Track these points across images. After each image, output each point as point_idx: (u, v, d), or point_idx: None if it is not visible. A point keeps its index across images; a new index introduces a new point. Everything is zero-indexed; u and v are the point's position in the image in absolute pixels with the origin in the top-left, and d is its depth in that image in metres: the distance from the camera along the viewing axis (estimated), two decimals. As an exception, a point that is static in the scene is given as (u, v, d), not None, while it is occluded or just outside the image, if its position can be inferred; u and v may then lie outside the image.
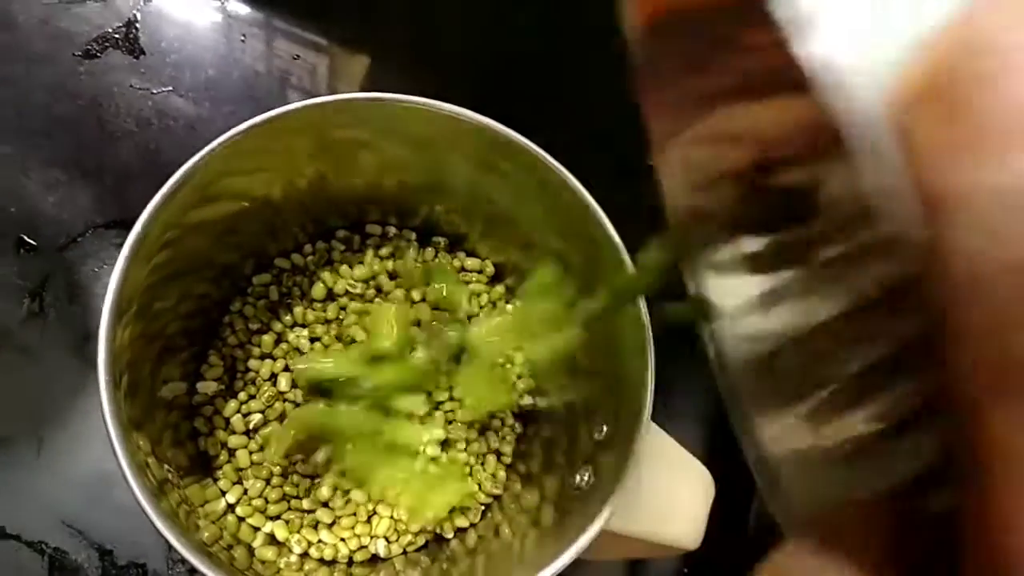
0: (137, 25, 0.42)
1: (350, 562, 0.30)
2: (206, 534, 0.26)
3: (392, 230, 0.33)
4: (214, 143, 0.24)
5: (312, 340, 0.31)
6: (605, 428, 0.27)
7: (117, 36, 0.41)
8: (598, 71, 0.48)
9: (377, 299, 0.32)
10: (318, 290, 0.31)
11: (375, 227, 0.33)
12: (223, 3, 0.43)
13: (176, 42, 0.42)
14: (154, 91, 0.41)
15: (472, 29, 0.47)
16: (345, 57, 0.45)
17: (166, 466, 0.26)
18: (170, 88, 0.41)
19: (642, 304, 0.26)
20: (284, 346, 0.31)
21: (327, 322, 0.31)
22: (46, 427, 0.34)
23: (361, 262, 0.32)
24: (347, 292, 0.31)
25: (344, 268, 0.32)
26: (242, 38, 0.43)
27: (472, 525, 0.31)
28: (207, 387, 0.30)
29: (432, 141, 0.27)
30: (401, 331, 0.28)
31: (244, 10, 0.43)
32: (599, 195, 0.27)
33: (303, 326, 0.31)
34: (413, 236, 0.33)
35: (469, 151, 0.27)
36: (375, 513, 0.30)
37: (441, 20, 0.47)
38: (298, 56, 0.44)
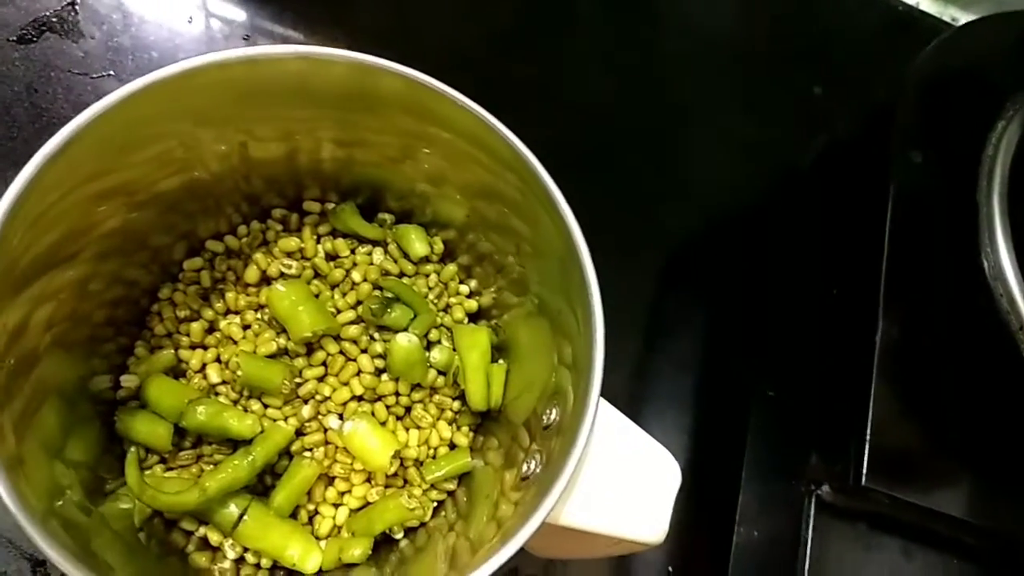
0: (78, 8, 0.40)
1: (290, 571, 0.27)
2: (120, 553, 0.23)
3: (331, 206, 0.30)
4: (109, 97, 0.22)
5: (245, 327, 0.29)
6: (555, 412, 0.24)
7: (55, 20, 0.39)
8: (568, 47, 0.47)
9: (315, 281, 0.29)
10: (251, 274, 0.29)
11: (314, 204, 0.30)
12: (167, -17, 0.41)
13: (119, 25, 0.40)
14: (94, 76, 0.38)
15: (452, 26, 0.45)
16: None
17: (68, 470, 0.23)
18: (111, 72, 0.39)
19: (591, 276, 0.23)
20: (216, 335, 0.28)
21: (260, 308, 0.29)
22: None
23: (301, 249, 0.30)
24: (282, 275, 0.29)
25: (278, 250, 0.29)
26: (188, 20, 0.41)
27: (423, 524, 0.29)
28: (131, 381, 0.27)
29: (358, 98, 0.25)
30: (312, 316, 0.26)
31: (189, -10, 0.41)
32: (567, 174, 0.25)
33: (236, 313, 0.29)
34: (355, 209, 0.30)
35: (400, 109, 0.25)
36: (317, 513, 0.28)
37: (420, 16, 0.45)
38: (248, 37, 0.42)
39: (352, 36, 0.43)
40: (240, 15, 0.42)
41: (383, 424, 0.28)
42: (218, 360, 0.28)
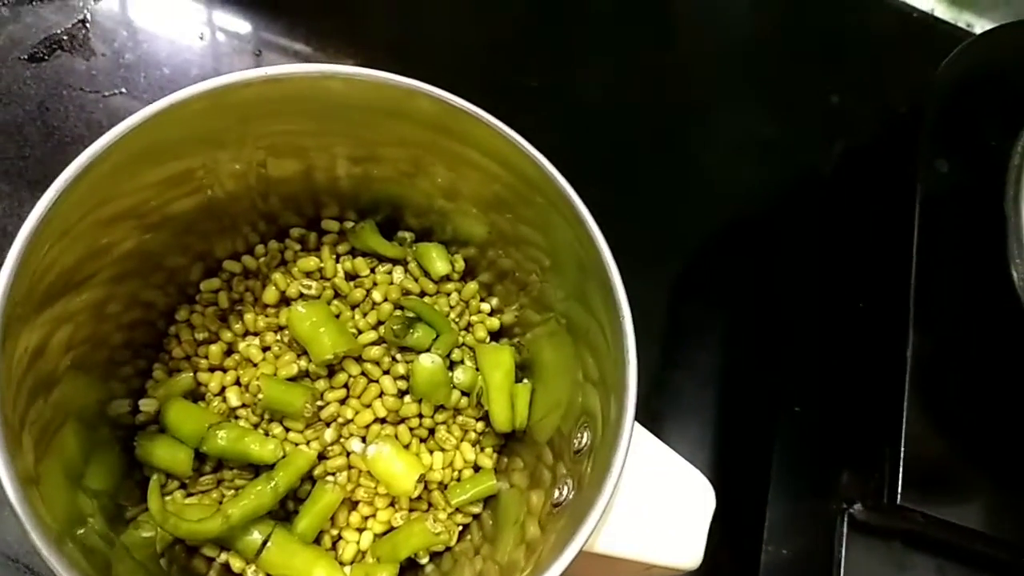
0: (88, 26, 0.39)
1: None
2: (135, 574, 0.23)
3: (350, 225, 0.30)
4: (134, 118, 0.21)
5: (264, 349, 0.28)
6: (586, 436, 0.24)
7: (66, 38, 0.39)
8: (580, 51, 0.47)
9: (335, 301, 0.29)
10: (270, 294, 0.28)
11: (332, 223, 0.30)
12: (178, 1, 0.41)
13: (129, 42, 0.39)
14: (106, 93, 0.38)
15: (462, 34, 0.45)
16: (326, 61, 0.42)
17: (89, 499, 0.23)
18: (123, 90, 0.38)
19: (621, 296, 0.23)
20: (235, 357, 0.28)
21: (279, 329, 0.28)
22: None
23: (320, 269, 0.29)
24: (302, 295, 0.28)
25: (297, 270, 0.29)
26: (200, 36, 0.41)
27: (448, 549, 0.28)
28: (149, 405, 0.27)
29: (382, 117, 0.25)
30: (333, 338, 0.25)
31: (199, 8, 0.41)
32: (583, 180, 0.24)
33: (255, 334, 0.28)
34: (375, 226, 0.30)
35: (420, 125, 0.24)
36: (340, 538, 0.27)
37: (429, 27, 0.45)
38: (260, 53, 0.41)
39: (362, 48, 0.43)
40: (250, 30, 0.42)
41: (406, 447, 0.28)
42: (238, 383, 0.28)
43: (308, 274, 0.29)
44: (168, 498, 0.26)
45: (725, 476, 0.38)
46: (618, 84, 0.46)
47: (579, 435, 0.24)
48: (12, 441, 0.19)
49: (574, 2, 0.48)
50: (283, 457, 0.26)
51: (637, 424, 0.24)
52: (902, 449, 0.29)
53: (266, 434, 0.27)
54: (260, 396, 0.27)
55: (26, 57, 0.38)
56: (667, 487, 0.23)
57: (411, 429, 0.28)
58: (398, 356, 0.29)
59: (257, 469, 0.27)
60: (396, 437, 0.28)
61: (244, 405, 0.27)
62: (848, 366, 0.35)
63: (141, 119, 0.21)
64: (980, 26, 0.52)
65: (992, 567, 0.31)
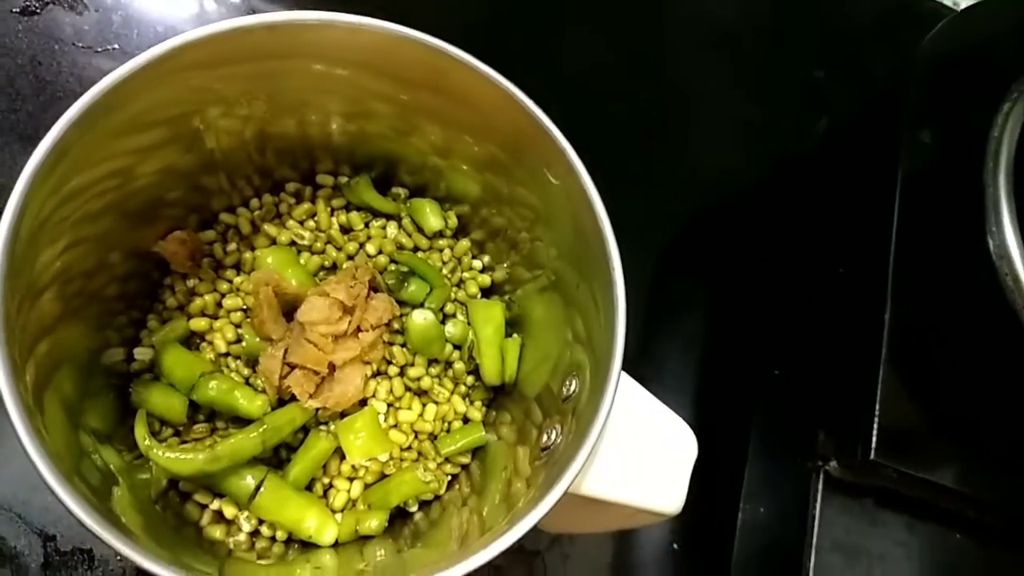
0: (80, -20, 0.39)
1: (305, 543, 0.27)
2: (138, 519, 0.23)
3: (345, 180, 0.30)
4: (133, 62, 0.21)
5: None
6: (574, 384, 0.24)
7: (58, -9, 0.38)
8: (571, 28, 0.47)
9: (331, 252, 0.29)
10: (261, 242, 0.29)
11: (327, 177, 0.30)
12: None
13: (122, -2, 0.39)
14: (98, 49, 0.38)
15: (452, 6, 0.45)
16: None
17: (88, 437, 0.23)
18: (115, 46, 0.38)
19: (613, 251, 0.24)
20: (228, 303, 0.28)
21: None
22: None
23: (313, 215, 0.30)
24: (293, 243, 0.29)
25: (292, 222, 0.29)
26: (193, -7, 0.40)
27: (437, 498, 0.29)
28: (144, 353, 0.27)
29: (383, 73, 0.25)
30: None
31: (195, -37, 0.41)
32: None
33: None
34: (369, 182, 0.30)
35: (422, 84, 0.25)
36: (332, 486, 0.28)
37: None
38: (253, 12, 0.41)
39: (351, 10, 0.43)
40: (244, -9, 0.42)
41: (398, 400, 0.28)
42: (237, 330, 0.28)
43: (301, 223, 0.29)
44: (163, 444, 0.27)
45: (706, 437, 0.38)
46: (605, 61, 0.47)
47: (568, 383, 0.25)
48: (16, 375, 0.19)
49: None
50: (269, 412, 0.27)
51: (623, 373, 0.24)
52: (877, 408, 0.30)
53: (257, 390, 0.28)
54: (244, 344, 0.27)
55: (18, 10, 0.37)
56: (651, 433, 0.24)
57: (406, 385, 0.29)
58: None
59: (249, 422, 0.28)
60: (390, 391, 0.28)
61: (236, 357, 0.28)
62: (827, 331, 0.36)
63: (140, 64, 0.21)
64: (965, 2, 0.53)
65: (960, 524, 0.33)
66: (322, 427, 0.28)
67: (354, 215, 0.30)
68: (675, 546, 0.38)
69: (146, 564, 0.19)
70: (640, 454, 0.24)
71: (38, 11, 0.38)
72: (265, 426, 0.26)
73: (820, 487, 0.32)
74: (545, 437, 0.24)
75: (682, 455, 0.24)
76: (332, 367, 0.27)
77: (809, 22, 0.51)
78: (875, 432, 0.30)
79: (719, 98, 0.48)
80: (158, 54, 0.21)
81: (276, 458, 0.28)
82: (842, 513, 0.33)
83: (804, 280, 0.41)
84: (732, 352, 0.42)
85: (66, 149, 0.21)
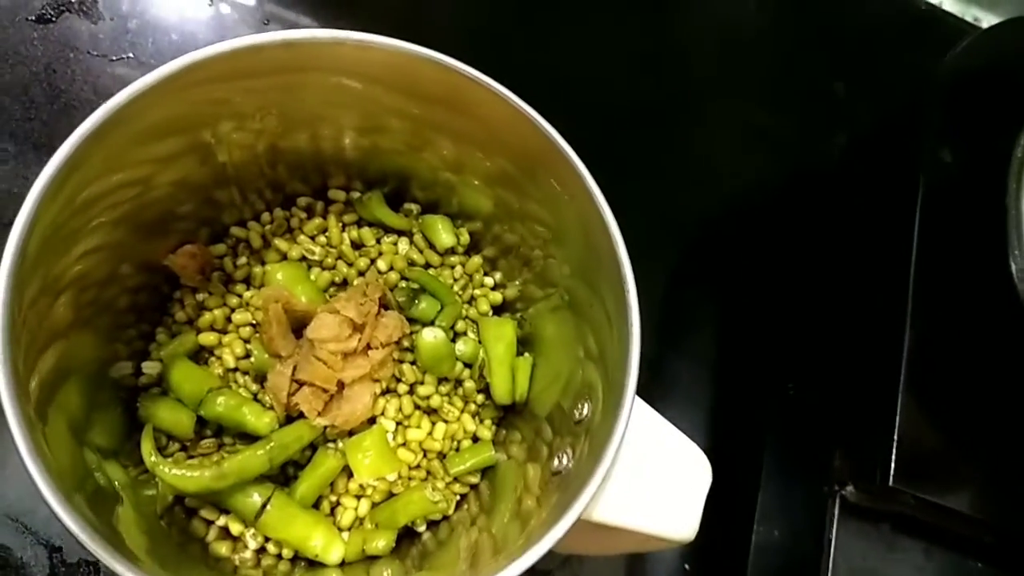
0: (96, -12, 0.39)
1: (311, 561, 0.27)
2: (142, 536, 0.23)
3: (357, 195, 0.30)
4: (149, 77, 0.21)
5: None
6: (587, 408, 0.24)
7: (73, 0, 0.38)
8: (586, 31, 0.47)
9: (341, 268, 0.29)
10: (272, 257, 0.28)
11: (339, 192, 0.30)
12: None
13: (138, 7, 0.39)
14: (112, 58, 0.38)
15: (465, 12, 0.45)
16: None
17: (93, 454, 0.23)
18: (130, 55, 0.38)
19: (627, 273, 0.23)
20: (237, 318, 0.28)
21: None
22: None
23: (324, 230, 0.29)
24: (304, 259, 0.29)
25: (303, 237, 0.29)
26: (209, 2, 0.40)
27: (446, 518, 0.28)
28: (152, 367, 0.27)
29: (395, 89, 0.25)
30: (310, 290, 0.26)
31: (210, -28, 0.41)
32: (584, 162, 0.24)
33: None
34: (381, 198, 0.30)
35: (435, 99, 0.24)
36: (339, 504, 0.28)
37: (435, 7, 0.44)
38: (268, 22, 0.41)
39: (366, 23, 0.42)
40: (257, 1, 0.41)
41: (407, 419, 0.28)
42: (246, 346, 0.28)
43: (312, 238, 0.29)
44: (169, 459, 0.27)
45: (720, 457, 0.38)
46: (623, 68, 0.46)
47: (580, 406, 0.24)
48: (19, 386, 0.19)
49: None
50: (277, 430, 0.27)
51: (637, 398, 0.24)
52: (895, 432, 0.29)
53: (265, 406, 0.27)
54: (252, 360, 0.27)
55: (34, 18, 0.37)
56: (665, 460, 0.24)
57: (416, 404, 0.28)
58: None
59: (257, 439, 0.27)
60: (399, 409, 0.28)
61: (245, 372, 0.28)
62: (845, 350, 0.36)
63: (156, 79, 0.21)
64: (987, 20, 0.52)
65: (978, 551, 0.32)
66: (330, 445, 0.27)
67: (366, 231, 0.30)
68: (687, 567, 0.37)
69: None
70: (653, 480, 0.23)
71: (53, 19, 0.38)
72: (272, 443, 0.26)
73: (836, 512, 0.31)
74: (557, 461, 0.24)
75: (696, 482, 0.24)
76: (341, 385, 0.27)
77: (831, 33, 0.50)
78: (894, 458, 0.29)
79: (735, 109, 0.47)
80: (174, 69, 0.21)
81: (283, 475, 0.28)
82: (858, 538, 0.32)
83: (820, 297, 0.40)
84: (745, 369, 0.41)
85: (79, 161, 0.21)
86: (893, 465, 0.29)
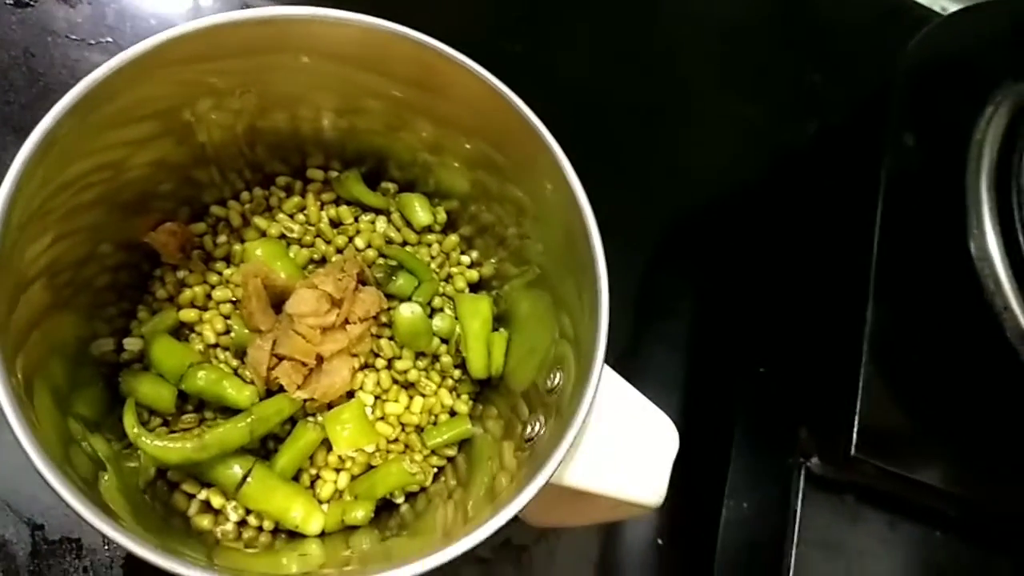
0: (74, -27, 0.39)
1: (292, 533, 0.28)
2: (126, 507, 0.24)
3: (335, 174, 0.30)
4: (124, 55, 0.22)
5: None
6: (558, 376, 0.25)
7: (52, -16, 0.39)
8: (567, 23, 0.47)
9: (320, 246, 0.30)
10: (251, 235, 0.29)
11: (317, 172, 0.30)
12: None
13: (117, -9, 0.40)
14: (91, 42, 0.38)
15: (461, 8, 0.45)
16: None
17: (78, 425, 0.23)
18: (109, 39, 0.39)
19: (598, 248, 0.24)
20: (217, 294, 0.29)
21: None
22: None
23: (303, 209, 0.30)
24: (283, 236, 0.29)
25: (282, 215, 0.29)
26: (188, -12, 0.41)
27: (423, 489, 0.29)
28: (134, 344, 0.28)
29: (373, 69, 0.25)
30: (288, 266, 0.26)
31: (190, -42, 0.41)
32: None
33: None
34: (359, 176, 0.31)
35: (405, 75, 0.25)
36: (319, 477, 0.28)
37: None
38: (246, 7, 0.42)
39: (348, 9, 0.43)
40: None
41: (385, 392, 0.29)
42: (226, 322, 0.28)
43: (291, 216, 0.30)
44: (151, 433, 0.27)
45: (692, 434, 0.39)
46: (602, 59, 0.47)
47: (552, 376, 0.25)
48: (8, 365, 0.20)
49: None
50: (258, 403, 0.27)
51: (607, 367, 0.25)
52: (858, 404, 0.30)
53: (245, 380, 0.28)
54: (232, 334, 0.28)
55: (12, 2, 0.38)
56: (633, 426, 0.24)
57: (394, 378, 0.29)
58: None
59: (237, 413, 0.28)
60: (378, 383, 0.29)
61: (225, 348, 0.28)
62: (812, 329, 0.37)
63: (134, 55, 0.22)
64: (952, 8, 0.54)
65: (940, 522, 0.33)
66: (309, 418, 0.28)
67: (344, 209, 0.30)
68: (660, 541, 0.38)
69: (137, 549, 0.19)
70: (622, 446, 0.24)
71: (32, 3, 0.38)
72: (253, 416, 0.26)
73: (802, 483, 0.32)
74: (529, 429, 0.25)
75: (663, 447, 0.25)
76: (320, 359, 0.27)
77: (805, 23, 0.52)
78: (856, 429, 0.30)
79: (712, 98, 0.48)
80: (148, 47, 0.22)
81: (263, 449, 0.28)
82: (823, 509, 0.33)
83: (790, 279, 0.41)
84: (718, 350, 0.42)
85: (56, 140, 0.21)
86: (855, 435, 0.30)
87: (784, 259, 0.42)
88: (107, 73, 0.22)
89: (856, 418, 0.30)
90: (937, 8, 0.53)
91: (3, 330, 0.20)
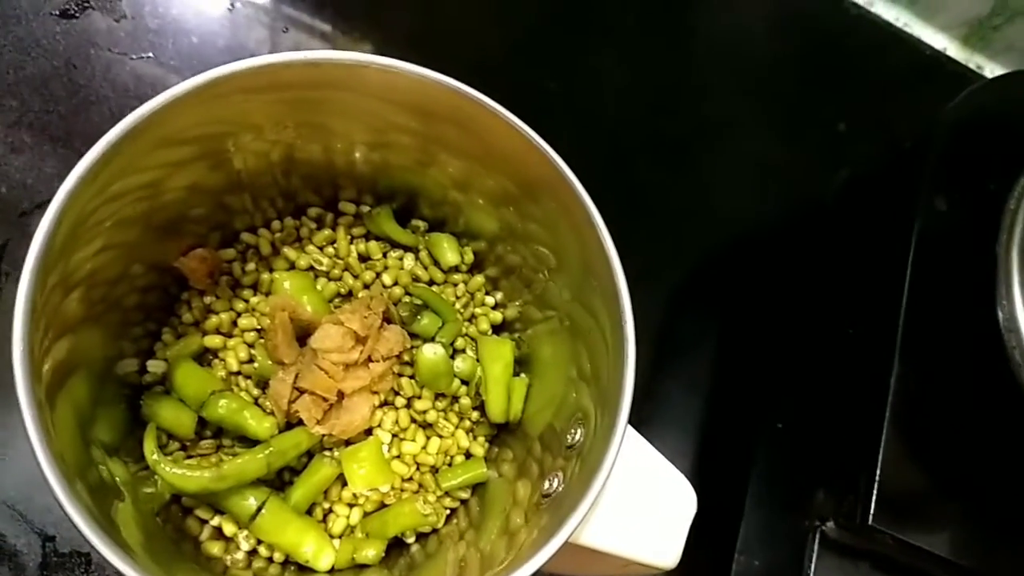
0: (120, -13, 0.40)
1: (301, 566, 0.28)
2: (137, 530, 0.24)
3: (366, 209, 0.30)
4: (190, 83, 0.22)
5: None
6: (579, 433, 0.25)
7: (98, -3, 0.39)
8: (598, 60, 0.47)
9: (347, 280, 0.30)
10: (280, 264, 0.29)
11: (349, 205, 0.31)
12: (212, -30, 0.41)
13: (160, 7, 0.40)
14: (133, 56, 0.39)
15: (481, 32, 0.45)
16: (348, 45, 0.43)
17: (97, 449, 0.24)
18: (150, 55, 0.39)
19: (625, 302, 0.24)
20: (243, 322, 0.29)
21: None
22: (-7, 402, 0.32)
23: (333, 242, 0.30)
24: (311, 268, 0.29)
25: (311, 247, 0.29)
26: (229, 7, 0.41)
27: (435, 531, 0.29)
28: (157, 366, 0.28)
29: (410, 110, 0.25)
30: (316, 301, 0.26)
31: (234, -22, 0.41)
32: (591, 186, 0.25)
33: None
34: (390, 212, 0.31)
35: (446, 120, 0.25)
36: (331, 511, 0.28)
37: (450, 20, 0.45)
38: (287, 30, 0.42)
39: (382, 35, 0.43)
40: (278, 6, 0.42)
41: (403, 432, 0.29)
42: (250, 351, 0.28)
43: (321, 248, 0.30)
44: (168, 457, 0.27)
45: (704, 484, 0.38)
46: (632, 97, 0.47)
47: (573, 431, 0.25)
48: (34, 366, 0.20)
49: (596, 13, 0.48)
50: (277, 435, 0.27)
51: (628, 426, 0.25)
52: (878, 472, 0.30)
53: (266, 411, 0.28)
54: (256, 365, 0.28)
55: (57, 13, 0.38)
56: (652, 487, 0.24)
57: (413, 418, 0.29)
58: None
59: (255, 443, 0.28)
60: (396, 422, 0.29)
61: (247, 376, 0.28)
62: (832, 388, 0.37)
63: (193, 86, 0.22)
64: (990, 69, 0.53)
65: (955, 595, 0.33)
66: (326, 453, 0.28)
67: (373, 244, 0.30)
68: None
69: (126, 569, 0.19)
70: (640, 507, 0.24)
71: (76, 15, 0.39)
72: (271, 448, 0.26)
73: (816, 547, 0.32)
74: (547, 484, 0.25)
75: (681, 510, 0.25)
76: (341, 395, 0.27)
77: (838, 73, 0.51)
78: (874, 497, 0.30)
79: (742, 141, 0.48)
80: (211, 78, 0.22)
81: (279, 480, 0.28)
82: (837, 574, 0.33)
83: (813, 332, 0.41)
84: (736, 399, 0.42)
85: (111, 156, 0.22)
86: (874, 504, 0.30)
87: (808, 310, 0.42)
88: (167, 100, 0.22)
89: (875, 486, 0.30)
90: (972, 66, 0.53)
91: (36, 334, 0.20)
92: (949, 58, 0.53)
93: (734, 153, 0.48)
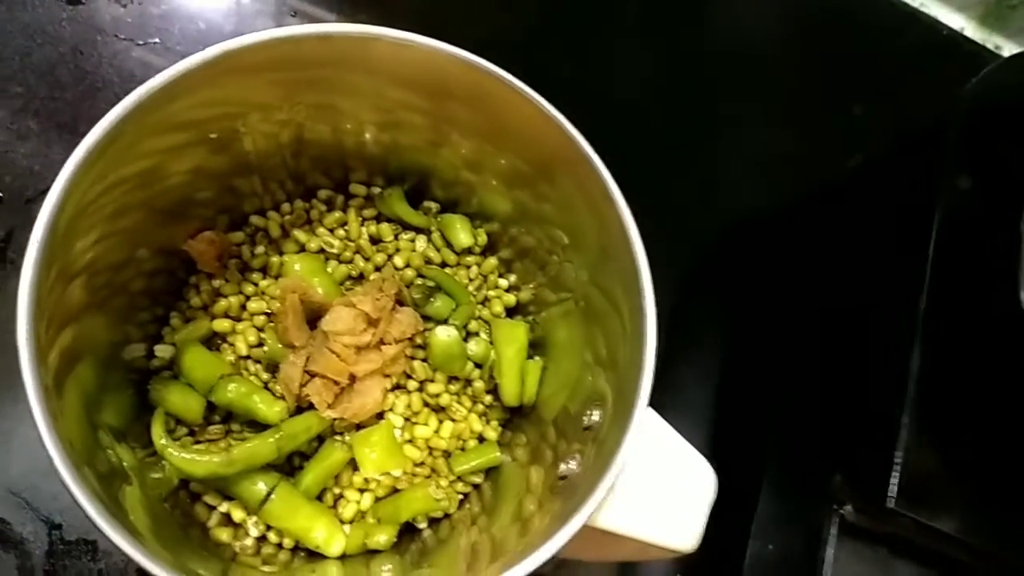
0: (126, -28, 0.39)
1: (311, 552, 0.27)
2: (145, 516, 0.23)
3: (377, 191, 0.30)
4: (190, 60, 0.21)
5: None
6: (596, 414, 0.24)
7: (104, -18, 0.39)
8: (611, 46, 0.47)
9: (358, 263, 0.29)
10: (290, 247, 0.29)
11: (360, 187, 0.30)
12: (218, -46, 0.41)
13: (167, -8, 0.40)
14: (139, 42, 0.38)
15: (488, 17, 0.45)
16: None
17: (105, 434, 0.23)
18: (157, 40, 0.39)
19: (646, 279, 0.23)
20: (252, 306, 0.28)
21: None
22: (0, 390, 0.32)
23: (344, 224, 0.30)
24: (322, 251, 0.29)
25: (322, 229, 0.29)
26: (237, -8, 0.41)
27: (447, 516, 0.28)
28: (164, 351, 0.27)
29: (421, 88, 0.25)
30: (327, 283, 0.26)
31: (240, -37, 0.41)
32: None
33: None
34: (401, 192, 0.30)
35: (459, 98, 0.25)
36: (342, 497, 0.28)
37: (461, 7, 0.45)
38: (294, 14, 0.41)
39: (391, 21, 0.43)
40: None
41: (415, 415, 0.28)
42: (259, 334, 0.28)
43: (331, 231, 0.29)
44: (176, 442, 0.27)
45: (719, 468, 0.38)
46: (646, 82, 0.47)
47: (589, 413, 0.24)
48: (40, 353, 0.19)
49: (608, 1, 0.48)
50: (287, 419, 0.27)
51: (646, 406, 0.24)
52: (897, 455, 0.29)
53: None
54: (266, 348, 0.27)
55: (63, -1, 0.38)
56: (671, 469, 0.24)
57: (425, 401, 0.28)
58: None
59: (265, 427, 0.27)
60: (408, 405, 0.28)
61: (256, 361, 0.28)
62: (852, 369, 0.36)
63: (196, 63, 0.21)
64: (1008, 48, 0.52)
65: (975, 578, 0.32)
66: (337, 437, 0.28)
67: (384, 226, 0.30)
68: (678, 575, 0.37)
69: (145, 563, 0.19)
70: (658, 489, 0.23)
71: (83, 1, 0.38)
72: (281, 433, 0.26)
73: (834, 531, 0.31)
74: (564, 466, 0.24)
75: (701, 493, 0.24)
76: (352, 378, 0.27)
77: (853, 55, 0.51)
78: (895, 480, 0.29)
79: (754, 125, 0.47)
80: (213, 55, 0.21)
81: (288, 465, 0.28)
82: (855, 559, 0.32)
83: (829, 315, 0.40)
84: (751, 383, 0.41)
85: (113, 139, 0.21)
86: (894, 487, 0.29)
87: (824, 293, 0.41)
88: (169, 79, 0.21)
89: (895, 469, 0.29)
90: (990, 46, 0.52)
91: (42, 321, 0.20)
92: (966, 38, 0.52)
93: (748, 138, 0.47)
